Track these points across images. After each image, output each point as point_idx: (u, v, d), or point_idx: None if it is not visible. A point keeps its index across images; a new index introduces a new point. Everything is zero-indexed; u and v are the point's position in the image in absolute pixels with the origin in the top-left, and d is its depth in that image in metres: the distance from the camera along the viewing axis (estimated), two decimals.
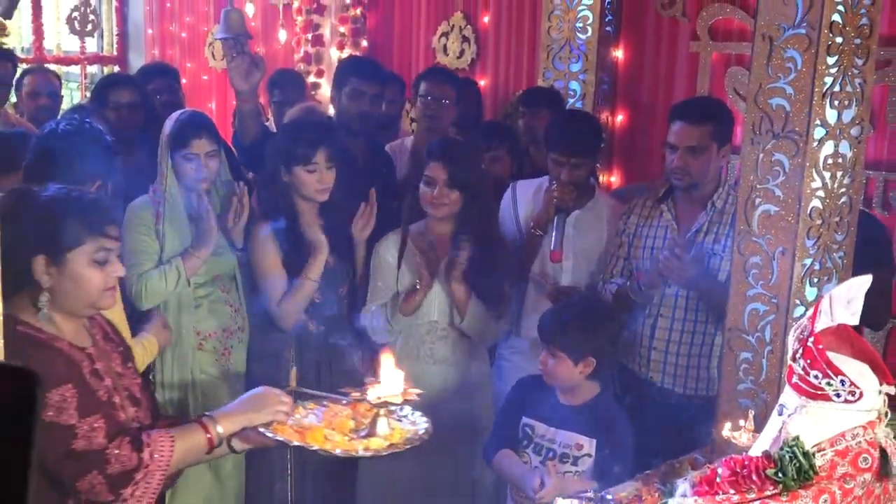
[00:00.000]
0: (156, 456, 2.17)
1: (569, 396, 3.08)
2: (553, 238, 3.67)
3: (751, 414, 2.40)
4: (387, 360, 2.40)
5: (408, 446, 2.36)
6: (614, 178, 5.22)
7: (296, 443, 2.31)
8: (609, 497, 2.47)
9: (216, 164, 3.50)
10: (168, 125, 3.49)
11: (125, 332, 2.73)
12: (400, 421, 2.45)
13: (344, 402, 2.50)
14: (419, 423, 2.45)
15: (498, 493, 3.46)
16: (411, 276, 3.46)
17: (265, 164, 3.59)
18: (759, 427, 2.42)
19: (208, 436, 2.26)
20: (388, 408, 2.38)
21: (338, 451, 2.31)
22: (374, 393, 2.35)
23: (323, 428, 2.38)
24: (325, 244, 3.42)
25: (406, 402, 2.39)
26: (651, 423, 3.45)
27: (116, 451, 2.12)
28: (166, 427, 2.34)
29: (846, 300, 1.55)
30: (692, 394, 3.49)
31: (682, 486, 2.04)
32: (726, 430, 2.36)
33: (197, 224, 3.44)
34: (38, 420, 0.87)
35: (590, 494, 2.48)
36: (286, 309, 3.45)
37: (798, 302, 2.72)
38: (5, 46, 5.05)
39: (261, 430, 2.32)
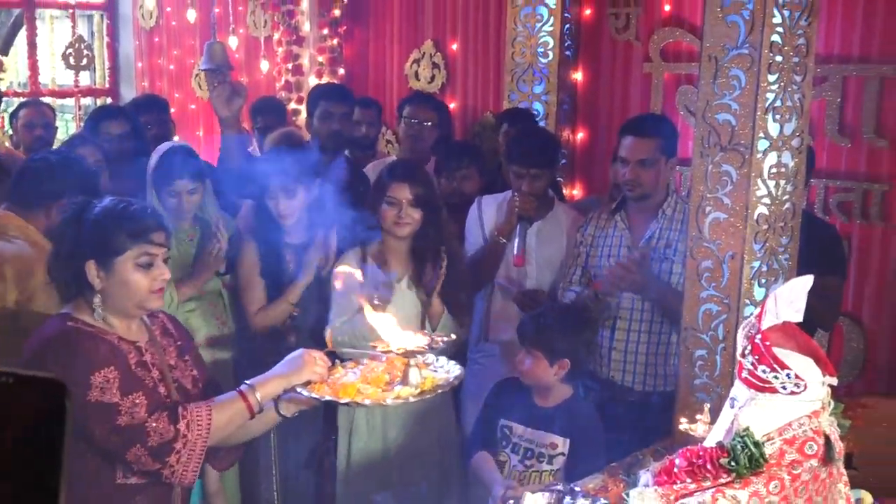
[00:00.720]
0: (193, 426, 2.18)
1: (544, 398, 3.08)
2: (516, 244, 3.70)
3: (706, 407, 2.40)
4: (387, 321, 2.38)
5: (438, 391, 2.31)
6: (577, 192, 5.23)
7: (327, 398, 2.26)
8: (577, 489, 2.46)
9: (198, 199, 3.53)
10: (154, 160, 3.49)
11: None
12: (435, 371, 2.39)
13: (382, 358, 2.43)
14: (452, 371, 2.40)
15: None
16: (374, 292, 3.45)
17: (252, 189, 3.60)
18: (714, 419, 2.43)
19: (247, 403, 2.26)
20: (418, 358, 2.33)
21: (367, 402, 2.26)
22: (398, 344, 2.32)
23: (357, 383, 2.32)
24: (312, 272, 3.44)
25: (432, 348, 2.36)
26: (614, 419, 3.45)
27: (154, 425, 2.15)
28: None
29: (790, 299, 1.55)
30: (651, 390, 3.50)
31: (644, 476, 2.04)
32: (684, 423, 2.36)
33: (200, 257, 3.49)
34: (68, 429, 0.86)
35: (559, 486, 2.47)
36: (259, 322, 3.50)
37: (748, 302, 2.73)
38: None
39: (298, 389, 2.29)
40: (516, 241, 3.69)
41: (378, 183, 3.49)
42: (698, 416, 2.32)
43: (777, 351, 1.51)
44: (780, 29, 2.70)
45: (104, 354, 2.18)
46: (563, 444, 2.99)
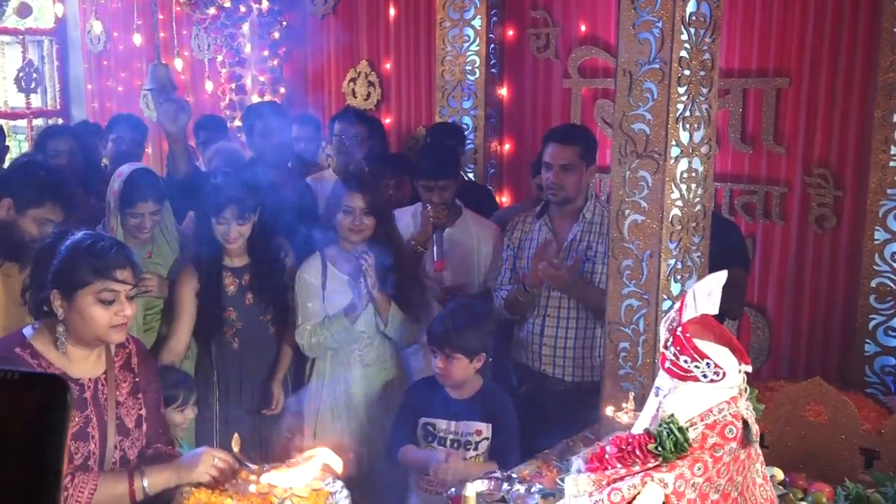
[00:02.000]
0: (71, 501, 2.06)
1: (459, 391, 3.06)
2: (434, 251, 3.74)
3: (631, 395, 2.39)
4: (309, 451, 2.22)
5: None
6: (505, 199, 5.22)
7: None
8: (514, 476, 2.43)
9: (158, 218, 3.42)
10: (116, 183, 3.36)
11: None
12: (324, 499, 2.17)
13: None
14: (339, 501, 2.19)
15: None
16: (339, 295, 3.40)
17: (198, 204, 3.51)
18: (639, 406, 2.42)
19: (131, 488, 2.14)
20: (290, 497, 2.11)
21: None
22: (280, 479, 2.12)
23: (225, 501, 2.12)
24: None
25: (316, 491, 2.14)
26: (546, 408, 3.45)
27: None
28: (151, 458, 2.30)
29: (707, 293, 1.54)
30: (580, 381, 3.49)
31: (577, 462, 2.00)
32: (609, 411, 2.35)
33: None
34: (67, 424, 0.84)
35: (497, 474, 2.44)
36: (169, 356, 3.33)
37: (665, 297, 2.74)
38: None
39: (182, 489, 2.15)
40: (434, 248, 3.72)
41: (334, 193, 3.48)
42: (624, 405, 2.31)
43: (697, 342, 1.49)
44: (687, 45, 2.72)
45: None
46: (486, 429, 2.99)
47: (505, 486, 2.39)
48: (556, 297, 3.48)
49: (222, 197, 3.29)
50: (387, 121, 5.71)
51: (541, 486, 2.36)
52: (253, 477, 2.18)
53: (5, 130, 5.42)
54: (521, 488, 2.35)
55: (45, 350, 2.18)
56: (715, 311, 1.59)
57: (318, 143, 5.33)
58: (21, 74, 7.52)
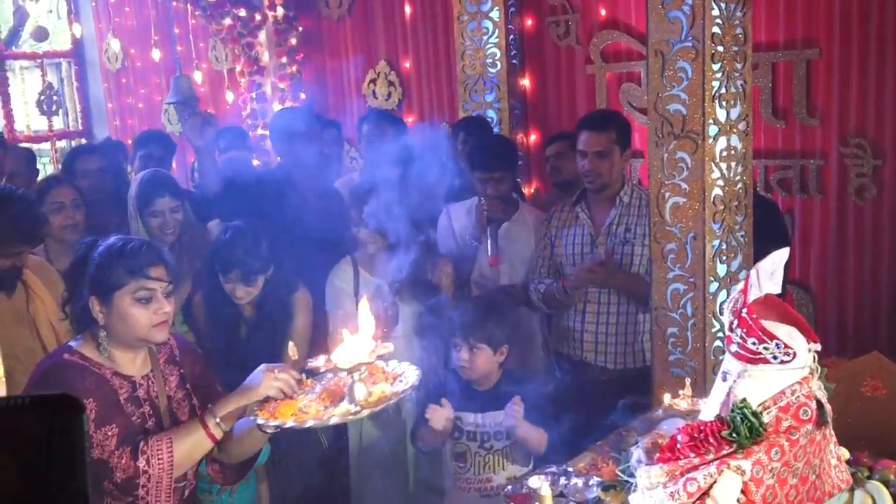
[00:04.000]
0: (153, 461, 2.05)
1: (482, 382, 2.99)
2: (489, 246, 3.63)
3: (687, 382, 2.34)
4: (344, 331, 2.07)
5: (380, 406, 1.98)
6: (534, 190, 5.18)
7: (260, 420, 2.02)
8: (570, 469, 2.39)
9: (180, 218, 3.39)
10: (134, 187, 3.38)
11: None
12: (392, 380, 2.05)
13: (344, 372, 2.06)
14: (406, 379, 2.06)
15: None
16: (371, 300, 3.34)
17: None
18: (694, 392, 2.38)
19: (206, 429, 2.11)
20: (363, 371, 1.99)
21: (310, 423, 1.97)
22: (339, 357, 2.00)
23: (298, 402, 2.04)
24: None
25: (380, 357, 2.03)
26: (591, 397, 3.39)
27: (117, 461, 2.03)
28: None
29: (770, 272, 1.50)
30: (622, 368, 3.44)
31: (636, 452, 1.96)
32: (667, 399, 2.30)
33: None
34: (85, 443, 0.82)
35: (553, 468, 2.40)
36: None
37: (712, 279, 2.69)
38: None
39: (249, 412, 2.09)
40: (489, 242, 3.63)
41: (356, 198, 3.41)
42: (681, 391, 2.26)
43: (764, 323, 1.45)
44: (718, 20, 2.67)
45: (87, 386, 2.08)
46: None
47: (562, 480, 2.35)
48: (596, 286, 3.43)
49: (230, 257, 3.05)
50: (409, 119, 5.67)
51: (599, 479, 2.31)
52: (310, 380, 2.11)
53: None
54: (579, 482, 2.31)
55: (93, 355, 2.18)
56: (777, 290, 1.54)
57: (340, 146, 5.31)
58: (42, 98, 7.58)
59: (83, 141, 8.05)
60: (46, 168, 8.35)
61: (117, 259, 2.15)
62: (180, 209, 3.39)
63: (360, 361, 1.98)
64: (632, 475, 2.12)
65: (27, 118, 7.99)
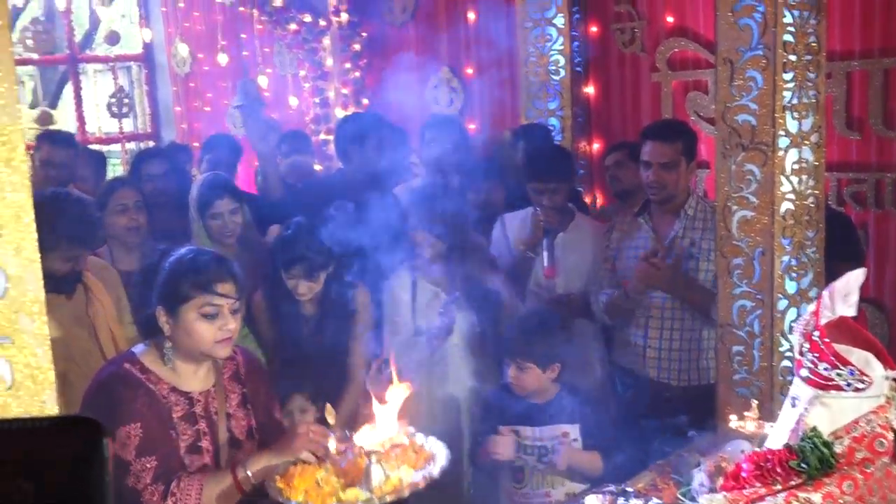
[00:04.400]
0: None
1: (538, 396, 2.93)
2: (545, 257, 3.59)
3: (754, 403, 2.26)
4: (379, 406, 2.10)
5: (391, 498, 1.92)
6: (597, 200, 5.10)
7: (273, 492, 2.00)
8: (629, 489, 2.32)
9: (240, 220, 3.41)
10: (194, 189, 3.42)
11: None
12: (424, 462, 2.04)
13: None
14: (435, 463, 2.04)
15: None
16: (429, 308, 3.30)
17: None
18: (760, 414, 2.29)
19: (236, 480, 2.09)
20: (379, 453, 1.99)
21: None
22: (362, 439, 2.02)
23: (318, 472, 2.03)
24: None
25: (396, 446, 2.01)
26: (653, 414, 3.32)
27: (149, 497, 2.04)
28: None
29: (844, 293, 1.42)
30: (686, 385, 3.36)
31: (699, 475, 1.89)
32: (734, 421, 2.22)
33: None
34: (106, 467, 0.80)
35: (611, 488, 2.34)
36: None
37: (780, 296, 2.60)
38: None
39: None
40: (545, 253, 3.58)
41: (415, 203, 3.39)
42: (746, 413, 2.18)
43: (837, 347, 1.38)
44: (791, 29, 2.58)
45: (137, 408, 2.08)
46: (573, 430, 2.86)
47: (620, 500, 2.28)
48: (659, 298, 3.35)
49: (292, 252, 3.08)
50: (471, 126, 5.64)
51: (659, 501, 2.24)
52: (342, 447, 2.09)
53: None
54: (639, 503, 2.24)
55: (154, 366, 2.18)
56: (853, 312, 1.46)
57: (406, 152, 5.30)
58: (113, 100, 7.76)
59: (151, 143, 8.22)
60: (116, 170, 8.55)
61: (186, 272, 2.15)
62: (239, 211, 3.42)
63: (382, 442, 2.00)
64: (693, 499, 2.06)
65: (98, 120, 8.19)
